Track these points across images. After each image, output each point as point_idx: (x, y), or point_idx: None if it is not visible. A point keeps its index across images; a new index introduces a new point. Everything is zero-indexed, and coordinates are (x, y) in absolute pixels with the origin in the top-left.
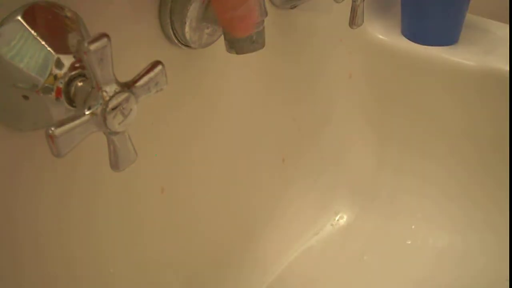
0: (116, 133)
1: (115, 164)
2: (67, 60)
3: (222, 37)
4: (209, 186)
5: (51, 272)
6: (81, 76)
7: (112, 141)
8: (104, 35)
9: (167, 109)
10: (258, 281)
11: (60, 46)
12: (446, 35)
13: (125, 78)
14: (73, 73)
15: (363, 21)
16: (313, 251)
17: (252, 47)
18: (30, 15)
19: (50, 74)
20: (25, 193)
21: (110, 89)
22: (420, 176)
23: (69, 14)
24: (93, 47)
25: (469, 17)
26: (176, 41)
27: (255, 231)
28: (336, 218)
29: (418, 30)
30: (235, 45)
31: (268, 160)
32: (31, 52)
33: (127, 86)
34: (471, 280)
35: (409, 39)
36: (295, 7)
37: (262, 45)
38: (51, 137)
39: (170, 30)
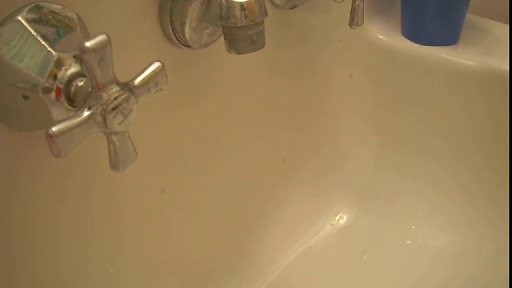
0: (116, 133)
1: (115, 164)
2: (67, 60)
3: (222, 37)
4: (209, 186)
5: (51, 272)
6: (81, 76)
7: (112, 141)
8: (104, 35)
9: (167, 109)
10: (258, 281)
11: (60, 46)
12: (446, 35)
13: (125, 78)
14: (73, 73)
15: (363, 21)
16: (313, 251)
17: (252, 47)
18: (30, 15)
19: (50, 74)
20: (25, 193)
21: (110, 89)
22: (420, 176)
23: (69, 14)
24: (93, 47)
25: (469, 17)
26: (176, 41)
27: (255, 231)
28: (336, 218)
29: (418, 30)
30: (235, 45)
31: (268, 160)
32: (31, 52)
33: (127, 86)
34: (470, 280)
35: (409, 39)
36: (295, 7)
37: (262, 45)
38: (51, 137)
39: (170, 30)
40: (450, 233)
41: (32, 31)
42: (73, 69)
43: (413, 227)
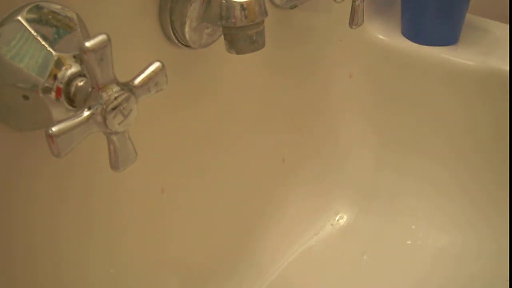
0: (116, 133)
1: (115, 164)
2: (67, 60)
3: (222, 37)
4: (209, 186)
5: (51, 272)
6: (81, 76)
7: (112, 141)
8: (104, 35)
9: (167, 109)
10: (258, 281)
11: (60, 46)
12: (446, 35)
13: (125, 78)
14: (73, 73)
15: (363, 21)
16: (313, 251)
17: (252, 47)
18: (30, 15)
19: (50, 74)
20: (25, 193)
21: (110, 89)
22: (420, 176)
23: (69, 14)
24: (93, 47)
25: (469, 17)
26: (176, 41)
27: (255, 231)
28: (336, 218)
29: (418, 30)
30: (235, 45)
31: (268, 160)
32: (31, 52)
33: (127, 86)
34: (470, 280)
35: (409, 39)
36: (295, 7)
37: (262, 45)
38: (51, 137)
39: (170, 30)
40: (450, 233)
41: (32, 31)
42: (73, 69)
43: (413, 227)
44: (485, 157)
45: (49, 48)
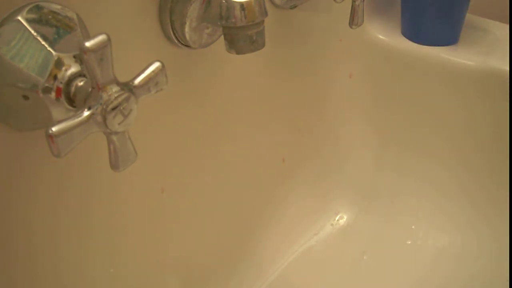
0: (116, 133)
1: (115, 164)
2: (67, 60)
3: (222, 37)
4: (209, 186)
5: (51, 272)
6: (81, 76)
7: (112, 141)
8: (104, 35)
9: (167, 109)
10: (258, 281)
11: (60, 46)
12: (446, 35)
13: (125, 78)
14: (73, 73)
15: (363, 21)
16: (313, 251)
17: (252, 47)
18: (30, 15)
19: (50, 74)
20: (25, 193)
21: (110, 89)
22: (420, 176)
23: (69, 14)
24: (93, 47)
25: (469, 17)
26: (176, 41)
27: (255, 231)
28: (336, 218)
29: (418, 30)
30: (235, 45)
31: (268, 160)
32: (31, 52)
33: (127, 86)
34: (470, 280)
35: (409, 39)
36: (295, 7)
37: (262, 45)
38: (51, 137)
39: (170, 30)
40: (450, 233)
41: (32, 31)
42: (73, 69)
43: (413, 227)
44: (485, 157)
45: (49, 48)
